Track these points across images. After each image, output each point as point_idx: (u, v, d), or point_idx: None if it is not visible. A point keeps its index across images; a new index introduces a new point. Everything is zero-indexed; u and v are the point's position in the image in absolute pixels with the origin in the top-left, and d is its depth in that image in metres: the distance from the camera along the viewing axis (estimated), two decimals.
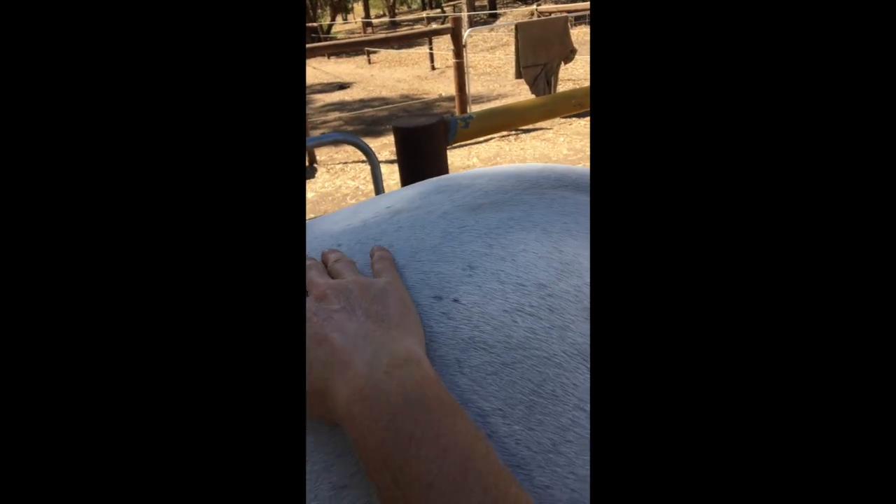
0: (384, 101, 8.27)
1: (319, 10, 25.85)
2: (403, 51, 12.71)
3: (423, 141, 1.50)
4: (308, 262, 0.38)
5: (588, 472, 0.29)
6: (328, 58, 14.67)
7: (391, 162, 4.39)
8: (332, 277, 0.36)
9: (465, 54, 5.15)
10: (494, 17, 14.64)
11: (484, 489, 0.23)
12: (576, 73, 7.78)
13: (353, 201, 3.97)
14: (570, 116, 5.13)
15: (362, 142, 1.62)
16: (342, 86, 10.33)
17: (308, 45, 4.65)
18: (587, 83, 4.92)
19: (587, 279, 0.37)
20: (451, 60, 5.26)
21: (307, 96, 8.97)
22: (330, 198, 4.13)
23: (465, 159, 4.75)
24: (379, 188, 1.65)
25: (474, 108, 5.64)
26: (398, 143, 1.49)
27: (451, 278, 0.36)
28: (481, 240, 0.39)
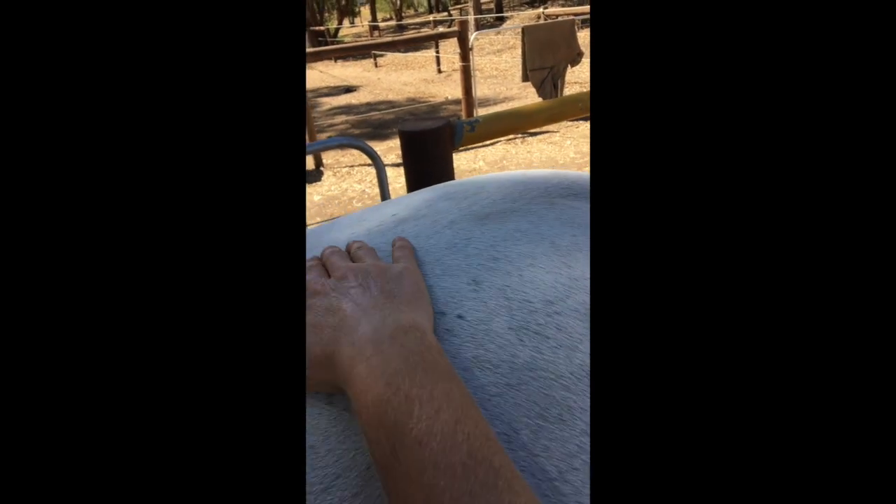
0: (390, 104, 8.29)
1: (326, 14, 26.04)
2: (410, 54, 12.75)
3: (428, 144, 1.49)
4: (331, 249, 0.40)
5: None
6: (335, 61, 14.74)
7: (397, 165, 4.39)
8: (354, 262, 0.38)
9: (471, 57, 5.15)
10: (501, 20, 14.66)
11: (470, 452, 0.24)
12: (583, 77, 7.76)
13: (360, 204, 3.97)
14: (576, 119, 5.11)
15: (367, 146, 1.62)
16: (349, 89, 10.37)
17: (315, 49, 4.66)
18: None
19: None
20: (458, 64, 5.26)
21: (314, 99, 9.02)
22: (336, 201, 4.13)
23: (471, 162, 4.74)
24: (384, 192, 1.64)
25: (481, 112, 5.63)
26: (404, 147, 1.49)
27: (455, 293, 0.35)
28: (487, 252, 0.38)
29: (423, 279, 0.36)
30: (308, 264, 0.39)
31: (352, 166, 4.97)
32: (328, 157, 5.22)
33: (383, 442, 0.25)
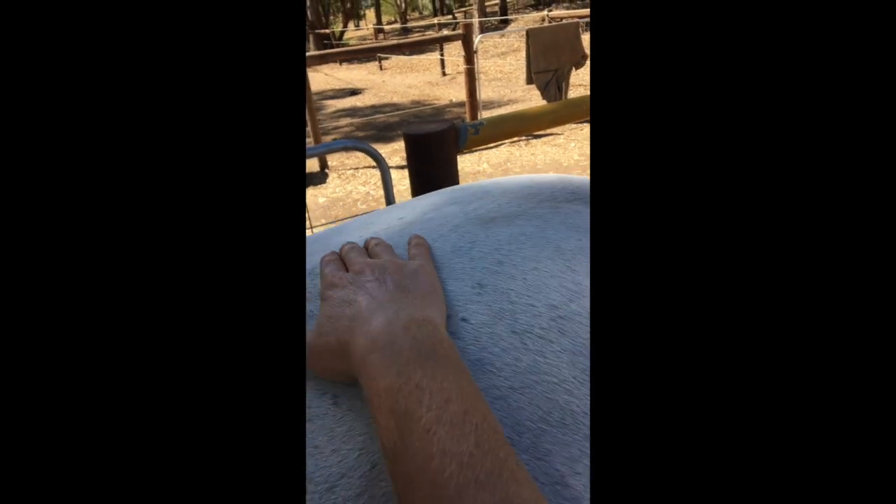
0: (395, 106, 8.31)
1: (332, 17, 26.11)
2: (414, 57, 12.77)
3: (433, 147, 1.50)
4: (350, 245, 0.41)
5: None
6: (340, 64, 14.79)
7: (402, 167, 4.40)
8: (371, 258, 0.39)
9: (475, 60, 5.15)
10: (505, 22, 14.67)
11: (477, 443, 0.24)
12: (587, 79, 7.75)
13: (364, 206, 3.98)
14: (580, 122, 5.11)
15: (372, 148, 1.62)
16: (354, 92, 10.40)
17: (320, 52, 4.68)
18: None
19: None
20: (462, 66, 5.27)
21: (318, 102, 9.04)
22: (341, 203, 4.15)
23: (475, 164, 4.74)
24: (389, 194, 1.64)
25: (485, 114, 5.63)
26: (409, 150, 1.49)
27: (459, 296, 0.35)
28: (492, 256, 0.38)
29: (438, 277, 0.37)
30: (327, 258, 0.40)
31: (356, 168, 4.98)
32: (333, 160, 5.23)
33: (393, 429, 0.26)
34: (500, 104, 7.33)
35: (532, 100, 6.94)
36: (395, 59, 13.44)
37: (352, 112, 8.30)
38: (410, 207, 0.50)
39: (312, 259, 0.43)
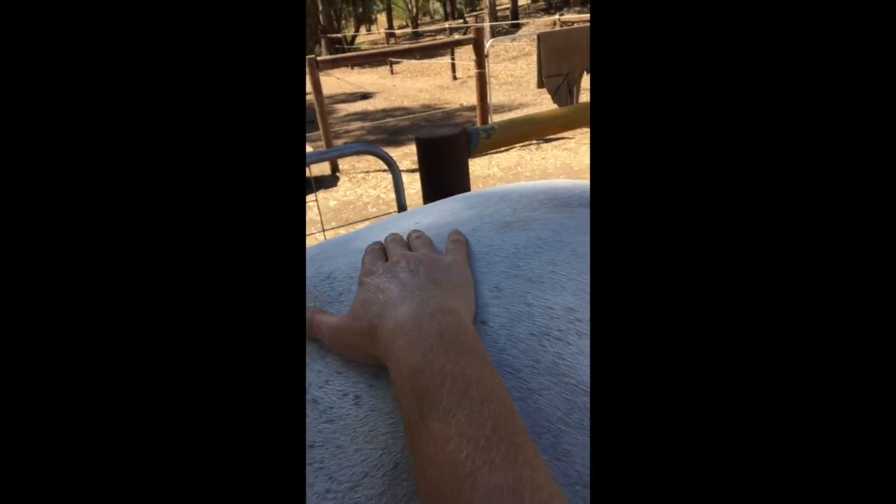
0: (406, 110, 8.35)
1: (343, 22, 26.31)
2: (425, 61, 12.82)
3: (444, 151, 1.50)
4: (393, 236, 0.43)
5: None
6: (351, 68, 14.89)
7: (412, 171, 4.42)
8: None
9: (486, 64, 5.17)
10: (517, 26, 14.68)
11: (494, 428, 0.25)
12: None
13: (374, 210, 4.00)
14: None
15: (384, 152, 1.64)
16: (365, 96, 10.46)
17: (332, 56, 4.72)
18: None
19: None
20: (473, 70, 5.28)
21: (330, 106, 9.10)
22: (351, 206, 4.17)
23: (485, 168, 4.75)
24: (400, 197, 1.65)
25: (496, 118, 5.64)
26: (420, 153, 1.50)
27: (478, 299, 0.36)
28: (509, 260, 0.39)
29: (471, 274, 0.38)
30: (370, 247, 0.42)
31: (367, 172, 5.01)
32: (344, 163, 5.27)
33: (415, 409, 0.27)
34: (510, 108, 7.33)
35: (543, 104, 6.94)
36: (407, 64, 13.50)
37: (363, 116, 8.35)
38: (427, 212, 0.50)
39: (332, 262, 0.43)
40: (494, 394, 0.27)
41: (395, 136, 6.48)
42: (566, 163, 4.63)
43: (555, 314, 0.34)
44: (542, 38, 5.10)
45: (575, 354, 0.32)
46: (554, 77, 5.14)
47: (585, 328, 0.34)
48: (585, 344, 0.33)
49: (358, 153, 1.62)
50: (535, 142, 5.20)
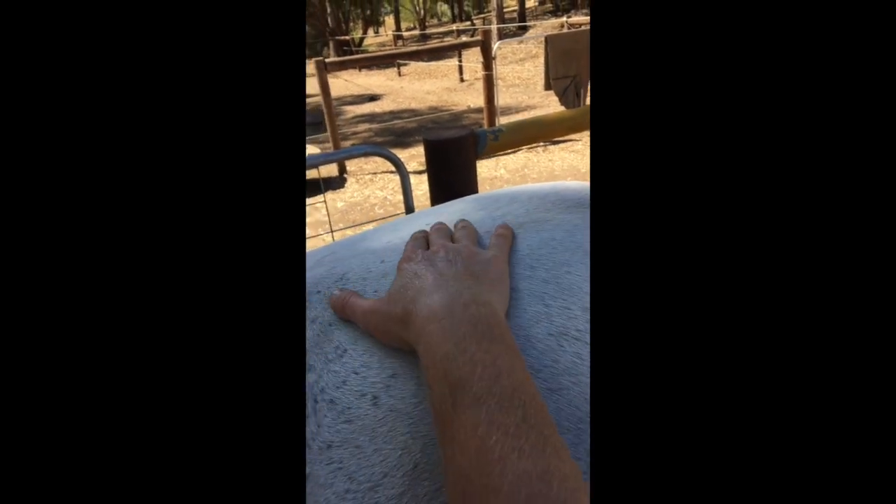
0: (413, 112, 8.37)
1: (351, 24, 26.43)
2: (433, 63, 12.85)
3: (451, 153, 1.50)
4: (438, 225, 0.44)
5: None
6: (359, 70, 14.95)
7: (419, 173, 4.42)
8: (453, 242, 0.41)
9: (494, 66, 5.17)
10: (524, 29, 14.69)
11: (524, 417, 0.25)
12: None
13: (382, 211, 4.01)
14: None
15: (393, 154, 1.64)
16: (372, 97, 10.50)
17: (340, 58, 4.74)
18: None
19: None
20: (480, 72, 5.28)
21: (338, 108, 9.14)
22: (359, 207, 4.18)
23: (492, 170, 4.75)
24: (408, 199, 1.66)
25: (503, 120, 5.64)
26: (428, 155, 1.50)
27: None
28: (524, 261, 0.39)
29: (509, 270, 0.38)
30: (415, 235, 0.43)
31: (374, 173, 5.03)
32: (351, 165, 5.29)
33: (446, 395, 0.27)
34: (517, 110, 7.33)
35: (550, 106, 6.93)
36: (414, 66, 13.53)
37: (370, 118, 8.38)
38: (437, 214, 0.50)
39: (345, 264, 0.44)
40: (524, 385, 0.27)
41: (403, 138, 6.50)
42: (573, 165, 4.62)
43: (572, 314, 0.34)
44: (549, 41, 5.09)
45: None
46: (561, 79, 5.13)
47: None
48: None
49: (366, 155, 1.62)
50: (542, 144, 5.20)
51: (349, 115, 8.77)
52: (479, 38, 5.15)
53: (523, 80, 9.89)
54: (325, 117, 4.72)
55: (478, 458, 0.24)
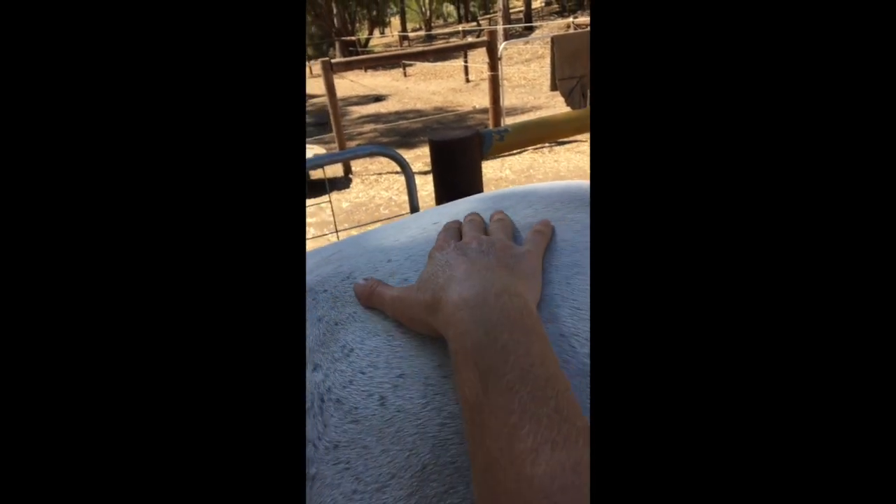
0: (419, 113, 8.38)
1: (357, 24, 26.52)
2: (439, 64, 12.87)
3: (457, 154, 1.50)
4: (472, 216, 0.43)
5: None
6: (365, 71, 14.99)
7: (424, 173, 4.43)
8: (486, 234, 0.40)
9: (500, 67, 5.17)
10: (530, 29, 14.69)
11: (557, 408, 0.25)
12: None
13: (387, 211, 4.01)
14: None
15: (399, 154, 1.64)
16: (378, 98, 10.53)
17: (346, 59, 4.75)
18: None
19: None
20: (486, 73, 5.28)
21: (344, 108, 9.17)
22: (364, 207, 4.19)
23: (497, 171, 4.75)
24: (413, 199, 1.66)
25: (508, 121, 5.64)
26: (433, 156, 1.50)
27: None
28: None
29: (542, 267, 0.37)
30: (448, 224, 0.42)
31: (380, 174, 5.04)
32: (357, 165, 5.30)
33: (476, 382, 0.27)
34: (523, 110, 7.32)
35: (556, 106, 6.92)
36: (420, 66, 13.56)
37: (376, 118, 8.40)
38: (445, 212, 0.50)
39: (351, 262, 0.43)
40: (557, 376, 0.27)
41: (408, 139, 6.51)
42: (579, 165, 4.61)
43: (584, 315, 0.34)
44: (555, 41, 5.09)
45: None
46: (567, 80, 5.13)
47: None
48: None
49: (371, 155, 1.62)
50: (547, 144, 5.19)
51: (355, 116, 8.79)
52: (484, 38, 5.16)
53: (529, 80, 9.88)
54: (331, 117, 4.73)
55: (509, 446, 0.24)
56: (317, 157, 1.49)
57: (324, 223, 3.74)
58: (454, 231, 0.41)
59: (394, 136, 6.80)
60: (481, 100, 8.00)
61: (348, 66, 5.10)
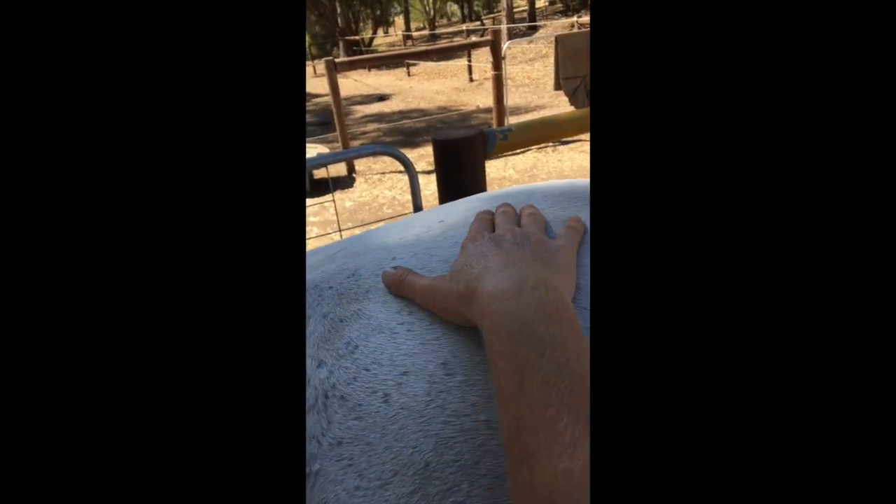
0: (422, 112, 8.38)
1: (361, 24, 26.53)
2: (442, 63, 12.86)
3: (461, 153, 1.50)
4: (504, 208, 0.43)
5: None
6: (369, 70, 15.00)
7: (428, 172, 4.43)
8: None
9: (503, 66, 5.16)
10: (534, 29, 14.67)
11: None
12: None
13: (390, 211, 4.01)
14: None
15: (402, 154, 1.64)
16: (382, 97, 10.53)
17: (350, 58, 4.76)
18: None
19: None
20: (490, 72, 5.28)
21: (347, 107, 9.18)
22: (367, 207, 4.19)
23: (501, 170, 4.74)
24: (416, 198, 1.66)
25: (512, 120, 5.63)
26: (437, 155, 1.50)
27: None
28: None
29: (577, 262, 0.37)
30: (480, 215, 0.42)
31: (383, 173, 5.04)
32: (360, 164, 5.31)
33: (512, 374, 0.26)
34: (527, 110, 7.32)
35: (559, 106, 6.91)
36: (423, 66, 13.56)
37: (379, 117, 8.40)
38: (450, 211, 0.50)
39: (356, 259, 0.43)
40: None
41: (412, 138, 6.51)
42: (583, 165, 4.60)
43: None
44: (559, 41, 5.08)
45: None
46: (571, 79, 5.12)
47: None
48: None
49: (374, 154, 1.63)
50: (551, 144, 5.18)
51: (358, 115, 8.80)
52: (488, 37, 5.15)
53: (533, 79, 9.87)
54: (335, 117, 4.74)
55: (547, 439, 0.24)
56: (320, 156, 1.49)
57: (327, 222, 3.74)
58: (487, 222, 0.41)
59: (397, 135, 6.80)
60: (485, 99, 7.99)
61: (352, 66, 5.11)
